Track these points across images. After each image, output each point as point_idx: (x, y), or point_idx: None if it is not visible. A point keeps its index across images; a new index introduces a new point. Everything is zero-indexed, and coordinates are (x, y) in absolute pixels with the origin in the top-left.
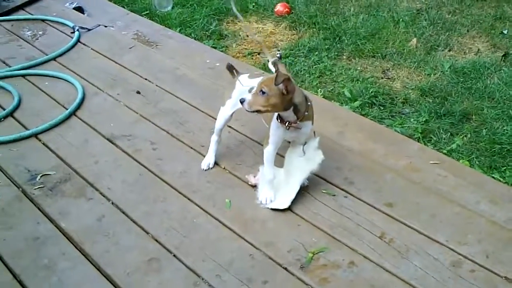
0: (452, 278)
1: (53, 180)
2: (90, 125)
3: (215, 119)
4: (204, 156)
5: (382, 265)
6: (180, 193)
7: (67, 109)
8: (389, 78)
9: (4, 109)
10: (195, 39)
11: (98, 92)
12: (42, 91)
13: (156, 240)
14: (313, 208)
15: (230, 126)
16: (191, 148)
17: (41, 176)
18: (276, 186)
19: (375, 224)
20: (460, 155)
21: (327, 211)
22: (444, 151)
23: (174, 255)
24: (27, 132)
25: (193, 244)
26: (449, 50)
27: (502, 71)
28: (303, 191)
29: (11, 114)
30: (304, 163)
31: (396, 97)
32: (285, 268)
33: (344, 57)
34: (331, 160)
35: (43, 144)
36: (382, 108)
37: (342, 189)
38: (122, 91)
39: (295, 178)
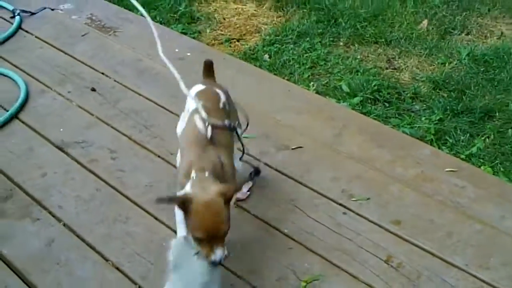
0: None
1: None
2: (36, 130)
3: None
4: (176, 167)
5: None
6: (145, 211)
7: (7, 111)
8: (395, 69)
9: None
10: (161, 23)
11: (44, 90)
12: None
13: (118, 269)
14: (305, 227)
15: None
16: (158, 156)
17: None
18: None
19: (380, 245)
20: (481, 160)
21: (322, 231)
22: (462, 156)
23: (139, 287)
24: None
25: (163, 272)
26: (467, 34)
27: None
28: (292, 205)
29: None
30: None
31: (404, 92)
32: None
33: (341, 43)
34: (326, 170)
35: None
36: (387, 105)
37: (340, 204)
38: (74, 89)
39: None
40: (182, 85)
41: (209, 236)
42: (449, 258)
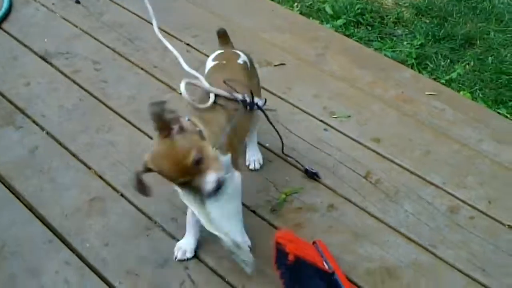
0: (448, 226)
1: None
2: (19, 40)
3: (172, 35)
4: (159, 81)
5: (367, 209)
6: (128, 121)
7: None
8: None
9: None
10: None
11: (28, 0)
12: None
13: (100, 177)
14: (285, 141)
15: (188, 44)
16: (142, 69)
17: None
18: None
19: (360, 161)
20: (460, 86)
21: (303, 146)
22: (442, 81)
23: (122, 195)
24: None
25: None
26: None
27: None
28: (274, 120)
29: None
30: None
31: (387, 16)
32: (253, 211)
33: None
34: (308, 87)
35: None
36: (370, 28)
37: (321, 121)
38: (58, 1)
39: None
40: (182, 62)
41: (182, 171)
42: (426, 176)
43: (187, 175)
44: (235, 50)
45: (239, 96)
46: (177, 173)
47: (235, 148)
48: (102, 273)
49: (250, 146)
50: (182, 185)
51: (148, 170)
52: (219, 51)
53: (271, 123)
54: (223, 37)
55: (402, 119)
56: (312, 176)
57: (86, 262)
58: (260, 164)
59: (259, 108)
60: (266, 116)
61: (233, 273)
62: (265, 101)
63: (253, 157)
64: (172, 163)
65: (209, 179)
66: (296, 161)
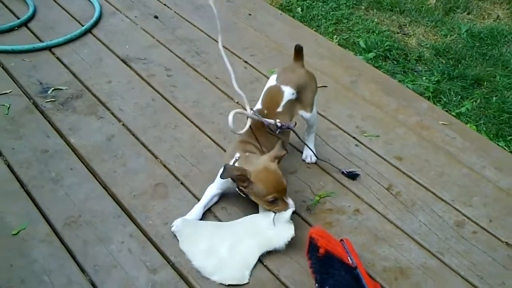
0: (454, 237)
1: (65, 95)
2: (105, 44)
3: (232, 52)
4: (219, 90)
5: (387, 216)
6: (191, 122)
7: (83, 26)
8: (405, 34)
9: (18, 18)
10: None
11: (115, 12)
12: (58, 4)
13: (165, 166)
14: (323, 153)
15: (246, 62)
16: (206, 78)
17: (53, 90)
18: (221, 252)
19: (383, 175)
20: (468, 119)
21: (337, 158)
22: (453, 113)
23: (182, 183)
24: (41, 44)
25: (201, 174)
26: (468, 13)
27: None
28: (316, 134)
29: (25, 24)
30: (268, 237)
31: (410, 54)
32: None
33: (362, 7)
34: (344, 107)
35: (57, 58)
36: (395, 62)
37: (354, 137)
38: (140, 14)
39: (251, 250)
40: (233, 80)
41: (280, 192)
42: (439, 193)
43: (281, 193)
44: (282, 88)
45: (271, 121)
46: (276, 189)
47: None
48: (160, 248)
49: (307, 143)
50: (271, 201)
51: (243, 178)
52: (271, 84)
53: (302, 140)
54: (298, 53)
55: (421, 143)
56: (353, 176)
57: (148, 237)
58: (315, 159)
59: (289, 128)
60: (297, 135)
61: (270, 259)
62: (295, 124)
63: (309, 152)
64: (276, 180)
65: (291, 202)
66: (331, 164)
